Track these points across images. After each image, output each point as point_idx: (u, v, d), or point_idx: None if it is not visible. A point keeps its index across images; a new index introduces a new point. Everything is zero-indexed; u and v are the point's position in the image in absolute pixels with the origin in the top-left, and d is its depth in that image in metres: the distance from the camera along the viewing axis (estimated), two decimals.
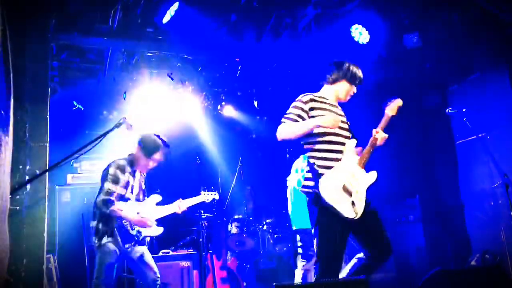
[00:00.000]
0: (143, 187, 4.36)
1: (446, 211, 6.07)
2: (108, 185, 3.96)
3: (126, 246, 3.99)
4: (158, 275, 4.16)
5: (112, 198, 3.91)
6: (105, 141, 3.80)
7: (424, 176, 6.25)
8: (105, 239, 3.90)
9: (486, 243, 5.45)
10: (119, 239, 3.94)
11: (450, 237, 5.98)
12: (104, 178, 4.04)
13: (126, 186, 4.12)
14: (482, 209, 5.60)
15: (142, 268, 4.13)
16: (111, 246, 3.91)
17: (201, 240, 5.69)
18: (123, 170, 4.09)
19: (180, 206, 4.44)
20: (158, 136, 4.31)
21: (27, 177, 3.60)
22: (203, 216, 5.41)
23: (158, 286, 4.12)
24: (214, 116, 7.35)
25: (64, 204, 5.83)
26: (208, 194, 4.77)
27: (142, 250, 4.18)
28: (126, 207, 4.01)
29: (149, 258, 4.20)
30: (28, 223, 3.56)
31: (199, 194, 4.75)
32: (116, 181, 4.00)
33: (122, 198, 4.08)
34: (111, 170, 4.04)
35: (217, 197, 4.83)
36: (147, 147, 4.22)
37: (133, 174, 4.21)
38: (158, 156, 4.26)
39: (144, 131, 4.35)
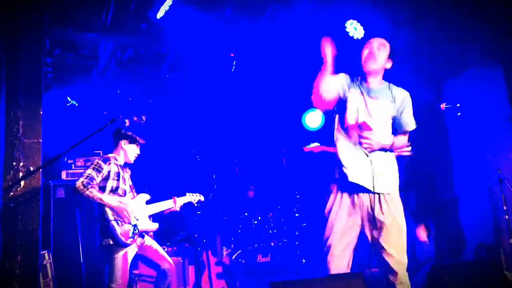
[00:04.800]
0: (131, 183, 4.39)
1: (441, 205, 6.10)
2: (89, 171, 3.98)
3: (129, 241, 4.00)
4: (172, 264, 4.29)
5: (91, 183, 3.91)
6: (100, 137, 3.80)
7: (419, 171, 6.26)
8: (107, 240, 3.93)
9: (480, 237, 5.49)
10: (120, 236, 3.94)
11: (444, 231, 6.01)
12: (88, 168, 4.10)
13: (117, 177, 4.14)
14: (476, 203, 5.63)
15: (154, 259, 4.23)
16: (115, 247, 3.94)
17: (196, 235, 5.70)
18: (106, 160, 4.13)
19: (176, 201, 4.54)
20: (127, 127, 4.43)
21: (21, 174, 3.58)
22: (198, 212, 5.43)
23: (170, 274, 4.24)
24: (209, 111, 7.34)
25: (59, 200, 5.81)
26: (194, 196, 4.84)
27: (149, 242, 4.26)
28: (106, 195, 4.02)
29: (158, 248, 4.31)
30: (22, 219, 3.55)
31: (185, 195, 4.82)
32: (98, 169, 4.01)
33: (116, 190, 4.09)
34: (95, 161, 4.11)
35: (202, 198, 4.92)
36: (123, 136, 4.34)
37: (121, 167, 4.26)
38: (133, 142, 4.37)
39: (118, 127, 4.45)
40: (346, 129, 3.14)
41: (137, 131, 4.44)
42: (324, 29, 5.35)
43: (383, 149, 3.08)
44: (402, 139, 3.19)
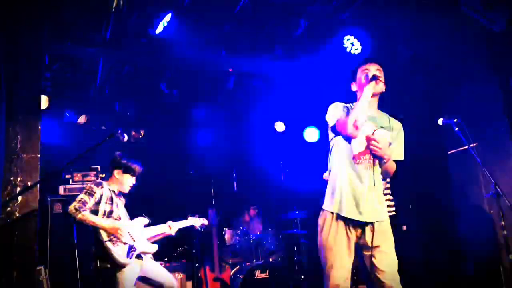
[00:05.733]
0: (125, 211, 4.36)
1: (439, 220, 6.08)
2: (81, 196, 3.98)
3: (125, 261, 3.95)
4: (175, 281, 4.27)
5: (84, 207, 3.89)
6: (98, 152, 3.81)
7: (417, 186, 6.26)
8: (104, 264, 3.90)
9: (479, 252, 5.47)
10: (116, 256, 3.90)
11: (443, 246, 5.99)
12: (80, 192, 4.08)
13: (110, 201, 4.13)
14: (474, 219, 5.61)
15: (156, 279, 4.20)
16: (113, 269, 3.91)
17: (194, 251, 5.66)
18: (98, 184, 4.11)
19: (170, 226, 4.48)
20: (126, 156, 4.38)
21: (18, 189, 3.57)
22: (196, 228, 5.39)
23: None
24: (207, 125, 7.35)
25: (56, 215, 5.78)
26: (196, 220, 4.78)
27: (149, 263, 4.22)
28: (99, 217, 4.00)
29: (159, 267, 4.31)
30: (19, 235, 3.53)
31: (186, 217, 4.75)
32: (90, 193, 4.00)
33: (110, 214, 4.07)
34: (87, 185, 4.10)
35: (206, 222, 4.86)
36: (117, 165, 4.29)
37: (114, 193, 4.24)
38: (127, 172, 4.30)
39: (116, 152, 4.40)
40: (350, 150, 3.09)
41: (133, 159, 4.38)
42: (321, 46, 5.41)
43: (381, 159, 3.05)
44: (392, 163, 3.15)
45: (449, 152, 5.97)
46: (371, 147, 2.96)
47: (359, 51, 5.40)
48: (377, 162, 3.07)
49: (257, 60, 5.65)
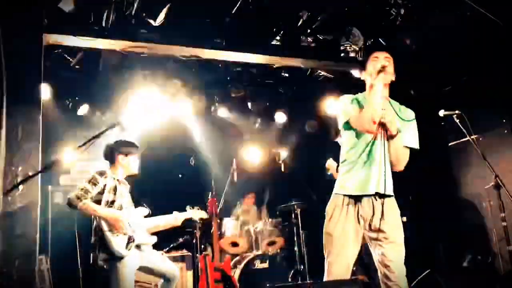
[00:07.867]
0: (130, 198, 4.36)
1: (439, 212, 6.10)
2: (84, 184, 3.97)
3: (124, 252, 3.95)
4: (177, 269, 4.32)
5: (86, 195, 3.89)
6: (98, 142, 3.80)
7: (417, 178, 6.27)
8: (104, 256, 3.91)
9: (478, 244, 5.49)
10: (115, 247, 3.90)
11: (442, 238, 6.01)
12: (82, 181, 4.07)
13: (114, 191, 4.12)
14: (474, 210, 5.64)
15: (157, 269, 4.22)
16: (113, 260, 3.91)
17: (194, 241, 5.68)
18: (102, 174, 4.09)
19: (177, 218, 4.52)
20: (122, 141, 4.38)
21: (19, 178, 3.57)
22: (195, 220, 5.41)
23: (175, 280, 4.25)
24: (207, 118, 7.34)
25: (57, 205, 5.79)
26: (195, 212, 4.79)
27: (149, 254, 4.23)
28: (101, 207, 3.99)
29: (160, 257, 4.34)
30: (20, 224, 3.53)
31: (185, 209, 4.77)
32: (93, 182, 3.99)
33: (112, 204, 4.07)
34: (91, 175, 4.07)
35: (204, 215, 4.90)
36: (118, 151, 4.29)
37: (118, 181, 4.22)
38: (130, 154, 4.31)
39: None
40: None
41: (127, 140, 4.40)
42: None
43: (389, 134, 2.98)
44: (404, 150, 3.09)
45: (450, 144, 5.97)
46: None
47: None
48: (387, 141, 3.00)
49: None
